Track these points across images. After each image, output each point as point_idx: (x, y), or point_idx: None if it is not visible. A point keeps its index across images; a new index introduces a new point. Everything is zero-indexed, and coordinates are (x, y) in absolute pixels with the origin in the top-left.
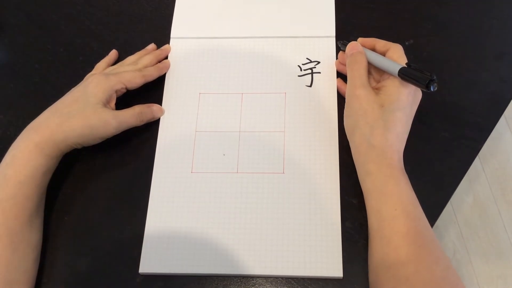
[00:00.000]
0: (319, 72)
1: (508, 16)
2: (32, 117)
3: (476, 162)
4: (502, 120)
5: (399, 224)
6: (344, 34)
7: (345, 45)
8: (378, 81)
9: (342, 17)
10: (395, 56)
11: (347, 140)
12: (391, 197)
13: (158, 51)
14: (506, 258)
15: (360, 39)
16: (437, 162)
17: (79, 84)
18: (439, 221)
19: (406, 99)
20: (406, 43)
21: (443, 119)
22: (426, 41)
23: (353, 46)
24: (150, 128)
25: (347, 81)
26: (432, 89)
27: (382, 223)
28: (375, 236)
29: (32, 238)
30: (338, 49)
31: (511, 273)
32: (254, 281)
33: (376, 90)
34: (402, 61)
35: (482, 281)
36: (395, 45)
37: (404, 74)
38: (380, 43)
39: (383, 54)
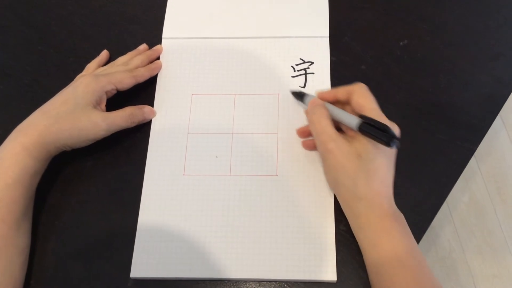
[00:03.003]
0: (313, 73)
1: (503, 17)
2: (22, 119)
3: (472, 162)
4: (498, 119)
5: (398, 280)
6: (338, 34)
7: (298, 95)
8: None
9: (336, 17)
10: (360, 100)
11: None
12: (385, 251)
13: (150, 52)
14: (502, 257)
15: (319, 93)
16: (432, 163)
17: (69, 85)
18: (435, 221)
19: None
20: (401, 43)
21: (438, 120)
22: (420, 41)
23: (312, 102)
24: (142, 130)
25: (315, 138)
26: (392, 146)
27: (380, 279)
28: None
29: (19, 242)
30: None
31: (507, 272)
32: (247, 285)
33: (350, 138)
34: (370, 103)
35: (478, 280)
36: (358, 86)
37: (364, 131)
38: (340, 91)
39: (347, 101)
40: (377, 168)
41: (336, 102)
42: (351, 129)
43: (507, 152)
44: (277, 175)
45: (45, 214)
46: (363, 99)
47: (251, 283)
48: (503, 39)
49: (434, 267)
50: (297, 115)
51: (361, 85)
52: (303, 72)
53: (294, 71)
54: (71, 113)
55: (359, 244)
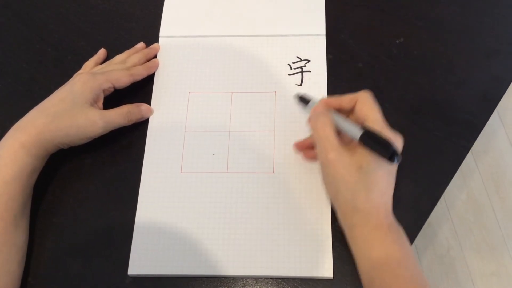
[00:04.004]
0: (309, 71)
1: (500, 14)
2: (19, 117)
3: (470, 159)
4: (495, 117)
5: None
6: (335, 32)
7: (302, 99)
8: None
9: (332, 14)
10: (364, 109)
11: None
12: (377, 260)
13: (147, 50)
14: (500, 254)
15: (323, 100)
16: (428, 160)
17: (66, 83)
18: (433, 218)
19: None
20: (397, 41)
21: (434, 117)
22: (417, 39)
23: (316, 108)
24: (139, 128)
25: (316, 145)
26: (395, 162)
27: (373, 286)
28: None
29: (17, 239)
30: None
31: (505, 270)
32: (244, 282)
33: (352, 148)
34: (374, 113)
35: (476, 277)
36: (362, 94)
37: (365, 144)
38: (345, 99)
39: (352, 109)
40: (377, 181)
41: (341, 110)
42: (354, 139)
43: (505, 150)
44: (273, 172)
45: (43, 211)
46: (367, 108)
47: (248, 280)
48: (500, 36)
49: (432, 265)
50: (294, 113)
51: (365, 93)
52: (299, 70)
53: (291, 69)
54: (69, 111)
55: (352, 253)
